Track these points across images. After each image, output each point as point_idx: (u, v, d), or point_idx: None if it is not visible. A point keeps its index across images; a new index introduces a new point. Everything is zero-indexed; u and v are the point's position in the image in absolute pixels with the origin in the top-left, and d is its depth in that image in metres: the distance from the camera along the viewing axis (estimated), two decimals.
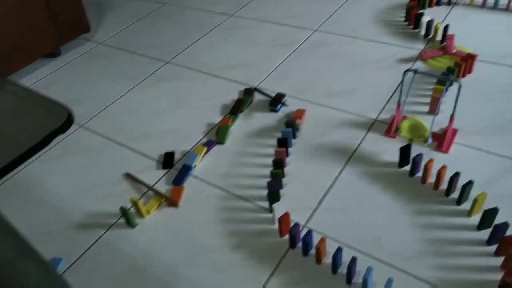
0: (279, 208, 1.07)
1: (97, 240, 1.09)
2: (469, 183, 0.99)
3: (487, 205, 0.98)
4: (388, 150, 1.18)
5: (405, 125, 1.15)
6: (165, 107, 1.48)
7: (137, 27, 2.01)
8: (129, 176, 1.25)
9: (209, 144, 1.29)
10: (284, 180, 1.15)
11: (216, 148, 1.29)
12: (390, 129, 1.23)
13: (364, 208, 1.05)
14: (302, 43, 1.68)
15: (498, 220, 0.95)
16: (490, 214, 0.93)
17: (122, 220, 1.12)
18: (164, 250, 1.04)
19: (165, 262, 1.01)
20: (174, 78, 1.62)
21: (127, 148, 1.35)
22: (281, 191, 1.11)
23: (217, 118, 1.40)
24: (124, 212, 1.08)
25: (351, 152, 1.20)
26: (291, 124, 1.24)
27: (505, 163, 1.10)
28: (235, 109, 1.40)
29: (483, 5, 1.68)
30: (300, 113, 1.34)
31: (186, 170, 1.22)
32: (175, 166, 1.26)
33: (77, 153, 1.35)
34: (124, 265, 1.02)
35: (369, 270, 0.86)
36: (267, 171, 1.19)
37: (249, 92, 1.46)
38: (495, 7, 1.66)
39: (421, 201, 1.04)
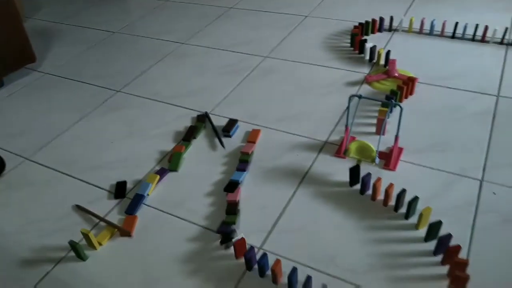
0: (238, 228, 1.09)
1: (45, 276, 1.05)
2: (415, 199, 1.06)
3: (433, 217, 1.05)
4: (339, 170, 1.24)
5: (353, 147, 1.22)
6: (116, 136, 1.48)
7: (86, 56, 2.00)
8: (79, 208, 1.22)
9: (161, 172, 1.30)
10: (240, 205, 1.18)
11: (169, 175, 1.30)
12: (340, 150, 1.29)
13: (318, 228, 1.09)
14: (253, 69, 1.75)
15: (443, 231, 1.02)
16: (435, 227, 1.00)
17: (72, 254, 1.09)
18: (118, 282, 1.02)
19: None
20: (125, 106, 1.62)
21: (77, 179, 1.32)
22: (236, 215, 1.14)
23: (169, 146, 1.41)
24: (73, 245, 1.05)
25: (303, 173, 1.25)
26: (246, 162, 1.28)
27: (447, 177, 1.18)
28: (188, 135, 1.42)
29: (420, 31, 1.83)
30: (255, 134, 1.39)
31: (138, 199, 1.21)
32: (127, 195, 1.25)
33: (21, 187, 1.31)
34: None
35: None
36: (222, 196, 1.21)
37: (201, 119, 1.49)
38: (431, 33, 1.81)
39: (372, 218, 1.10)
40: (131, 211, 1.18)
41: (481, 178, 1.16)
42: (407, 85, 1.45)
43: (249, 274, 1.00)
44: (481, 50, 1.69)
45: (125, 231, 1.13)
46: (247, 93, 1.61)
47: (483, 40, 1.72)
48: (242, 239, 1.02)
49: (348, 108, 1.24)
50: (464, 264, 0.91)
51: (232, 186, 1.22)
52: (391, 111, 1.39)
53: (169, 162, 1.33)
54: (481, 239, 1.02)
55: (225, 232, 1.08)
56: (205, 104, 1.58)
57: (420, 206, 1.09)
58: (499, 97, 1.44)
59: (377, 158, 1.20)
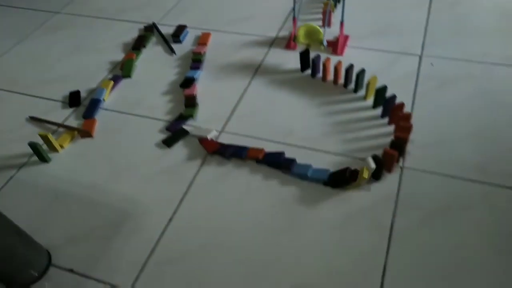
0: (197, 121, 1.16)
1: (9, 180, 1.07)
2: (362, 71, 1.16)
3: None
4: (290, 60, 1.31)
5: (301, 32, 1.29)
6: (63, 54, 1.46)
7: None
8: (33, 119, 1.23)
9: (115, 79, 1.32)
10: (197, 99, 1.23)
11: (123, 82, 1.32)
12: (289, 42, 1.36)
13: (275, 109, 1.17)
14: None
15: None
16: (381, 92, 1.11)
17: (34, 158, 1.12)
18: (85, 175, 1.06)
19: (88, 184, 1.04)
20: (68, 26, 1.59)
21: (26, 95, 1.32)
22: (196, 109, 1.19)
23: (120, 56, 1.42)
24: (33, 146, 1.07)
25: (257, 66, 1.31)
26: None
27: (390, 56, 1.28)
28: (137, 45, 1.43)
29: None
30: (205, 37, 1.42)
31: (95, 103, 1.24)
32: (82, 103, 1.27)
33: None
34: (45, 195, 1.03)
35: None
36: (178, 91, 1.25)
37: (149, 29, 1.50)
38: None
39: (324, 95, 1.19)
40: (88, 115, 1.21)
41: (421, 53, 1.28)
42: None
43: (210, 156, 1.08)
44: None
45: (85, 132, 1.15)
46: (194, 2, 1.63)
47: None
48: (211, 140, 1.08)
49: (294, 0, 1.29)
50: (407, 116, 1.02)
51: (188, 82, 1.26)
52: (335, 4, 1.46)
53: (121, 70, 1.35)
54: (421, 102, 1.14)
55: (174, 130, 1.14)
56: (152, 16, 1.58)
57: (366, 81, 1.19)
58: None
59: (324, 40, 1.28)
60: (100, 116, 1.22)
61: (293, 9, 1.31)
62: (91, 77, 1.35)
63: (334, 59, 1.27)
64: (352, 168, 0.97)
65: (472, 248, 0.84)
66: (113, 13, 1.63)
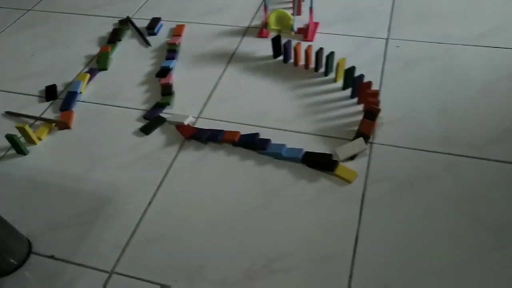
0: (173, 109, 1.17)
1: None
2: (331, 54, 1.18)
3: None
4: (263, 47, 1.33)
5: (272, 18, 1.30)
6: (38, 49, 1.45)
7: None
8: (10, 114, 1.22)
9: (91, 72, 1.31)
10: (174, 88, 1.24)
11: (100, 74, 1.32)
12: (261, 31, 1.37)
13: (249, 94, 1.18)
14: None
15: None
16: (349, 73, 1.13)
17: (12, 151, 1.11)
18: (64, 165, 1.06)
19: (68, 174, 1.04)
20: (41, 23, 1.57)
21: (1, 91, 1.30)
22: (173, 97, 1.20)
23: (95, 50, 1.41)
24: (11, 138, 1.07)
25: (230, 55, 1.32)
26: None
27: (358, 40, 1.31)
28: (113, 38, 1.43)
29: None
30: (179, 28, 1.43)
31: (72, 96, 1.23)
32: (59, 97, 1.26)
33: None
34: (23, 186, 1.02)
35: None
36: (155, 81, 1.25)
37: (124, 22, 1.50)
38: None
39: (296, 79, 1.21)
40: (66, 107, 1.20)
41: (387, 36, 1.31)
42: None
43: (188, 142, 1.09)
44: None
45: (63, 123, 1.15)
46: None
47: None
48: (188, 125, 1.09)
49: None
50: (375, 93, 1.05)
51: (164, 71, 1.27)
52: None
53: (97, 63, 1.34)
54: (388, 81, 1.17)
55: (151, 118, 1.14)
56: (126, 10, 1.58)
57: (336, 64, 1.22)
58: None
59: (295, 26, 1.30)
60: (77, 108, 1.21)
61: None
62: (67, 71, 1.34)
63: (305, 45, 1.29)
64: (327, 151, 0.99)
65: (439, 214, 0.87)
66: (87, 8, 1.62)
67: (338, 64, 1.16)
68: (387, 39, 1.30)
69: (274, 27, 1.31)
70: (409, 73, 1.19)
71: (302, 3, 1.44)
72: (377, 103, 1.02)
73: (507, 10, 1.36)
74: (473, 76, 1.15)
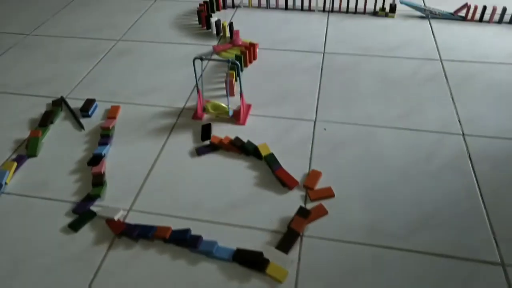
0: (105, 200, 1.09)
1: None
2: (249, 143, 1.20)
3: (278, 156, 1.18)
4: (198, 130, 1.30)
5: (209, 106, 1.30)
6: None
7: None
8: None
9: (19, 159, 1.21)
10: (106, 175, 1.16)
11: (29, 161, 1.22)
12: (196, 113, 1.35)
13: (183, 182, 1.14)
14: (107, 52, 1.70)
15: (288, 166, 1.15)
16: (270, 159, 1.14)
17: None
18: None
19: None
20: None
21: None
22: (104, 185, 1.12)
23: (26, 134, 1.31)
24: None
25: (165, 138, 1.28)
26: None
27: (288, 122, 1.32)
28: (44, 121, 1.34)
29: (259, 5, 1.97)
30: (114, 110, 1.37)
31: None
32: None
33: None
34: None
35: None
36: (87, 169, 1.18)
37: (57, 103, 1.42)
38: (268, 6, 1.97)
39: (227, 165, 1.19)
40: None
41: (315, 119, 1.33)
42: (249, 50, 1.57)
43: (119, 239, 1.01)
44: (309, 17, 1.90)
45: None
46: (104, 74, 1.58)
47: (309, 9, 1.93)
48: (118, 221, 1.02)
49: (194, 70, 1.30)
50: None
51: (96, 159, 1.19)
52: (238, 75, 1.49)
53: (27, 149, 1.25)
54: (317, 166, 1.17)
55: (80, 212, 1.06)
56: (60, 90, 1.50)
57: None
58: (325, 53, 1.65)
59: (230, 111, 1.30)
60: (0, 202, 1.10)
61: (196, 82, 1.32)
62: None
63: (237, 129, 1.28)
64: (259, 249, 0.96)
65: None
66: (19, 87, 1.52)
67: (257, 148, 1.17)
68: (314, 121, 1.32)
69: (212, 111, 1.30)
70: (336, 157, 1.20)
71: (235, 83, 1.44)
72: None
73: (420, 91, 1.43)
74: (393, 160, 1.18)
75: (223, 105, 1.29)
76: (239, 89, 1.31)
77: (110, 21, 1.93)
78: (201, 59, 1.24)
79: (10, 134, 1.32)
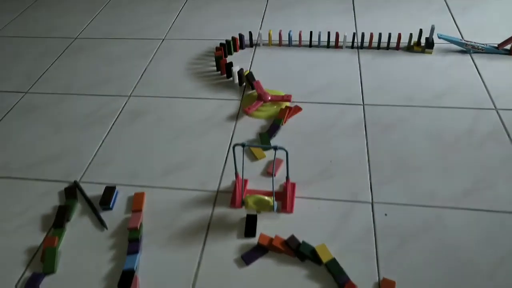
0: None
1: None
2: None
3: (337, 256, 0.98)
4: (238, 220, 1.09)
5: (250, 201, 1.08)
6: None
7: None
8: None
9: (34, 281, 0.99)
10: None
11: (46, 281, 1.00)
12: (234, 200, 1.14)
13: (235, 282, 0.95)
14: (119, 114, 1.47)
15: (350, 269, 0.96)
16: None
17: None
18: None
19: None
20: None
21: None
22: None
23: (39, 238, 1.09)
24: None
25: (203, 237, 1.07)
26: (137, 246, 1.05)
27: (341, 207, 1.12)
28: (59, 220, 1.11)
29: (280, 44, 1.74)
30: (139, 199, 1.16)
31: None
32: None
33: None
34: None
35: None
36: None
37: (71, 192, 1.19)
38: (290, 44, 1.73)
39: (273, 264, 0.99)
40: None
41: (371, 200, 1.13)
42: (288, 110, 1.36)
43: None
44: (337, 56, 1.67)
45: None
46: (119, 146, 1.34)
47: (336, 46, 1.71)
48: None
49: (234, 157, 1.08)
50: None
51: (126, 278, 0.98)
52: (287, 161, 1.25)
53: (42, 262, 1.03)
54: (387, 268, 0.98)
55: None
56: (71, 170, 1.27)
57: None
58: (364, 105, 1.43)
59: (275, 205, 1.08)
60: None
61: (235, 171, 1.10)
62: (1, 278, 1.01)
63: (285, 219, 1.08)
64: None
65: None
66: (21, 169, 1.28)
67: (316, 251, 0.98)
68: (372, 204, 1.12)
69: (253, 207, 1.08)
70: (406, 255, 0.99)
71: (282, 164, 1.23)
72: None
73: (482, 156, 1.23)
74: (473, 253, 0.99)
75: (267, 198, 1.08)
76: (286, 173, 1.10)
77: (116, 70, 1.68)
78: (243, 145, 1.03)
79: (19, 240, 1.09)
